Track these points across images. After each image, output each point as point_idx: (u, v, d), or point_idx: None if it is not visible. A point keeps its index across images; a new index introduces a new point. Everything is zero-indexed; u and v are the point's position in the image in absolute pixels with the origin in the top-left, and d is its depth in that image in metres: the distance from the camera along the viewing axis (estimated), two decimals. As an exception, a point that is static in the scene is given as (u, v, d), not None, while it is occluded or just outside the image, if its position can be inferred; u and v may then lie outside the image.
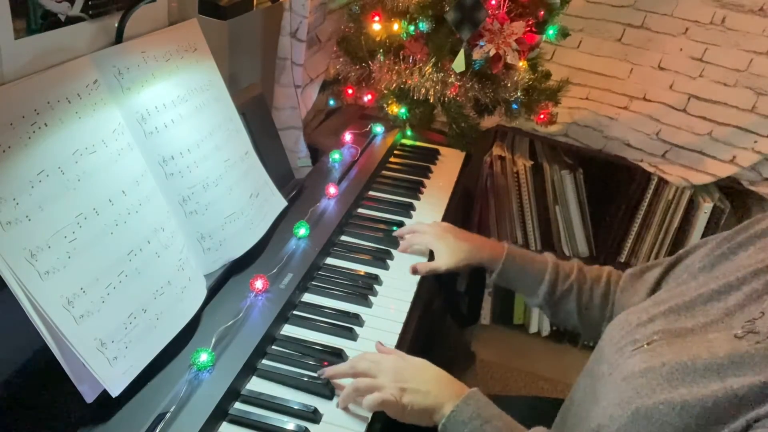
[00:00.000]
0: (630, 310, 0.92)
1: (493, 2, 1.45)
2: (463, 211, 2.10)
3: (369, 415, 0.86)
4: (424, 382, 0.87)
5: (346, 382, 0.88)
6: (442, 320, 2.13)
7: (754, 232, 0.86)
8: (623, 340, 0.84)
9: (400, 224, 1.30)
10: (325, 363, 0.92)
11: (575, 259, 1.17)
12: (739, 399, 0.66)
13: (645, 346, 0.80)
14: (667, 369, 0.73)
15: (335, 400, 0.88)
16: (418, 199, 1.43)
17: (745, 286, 0.79)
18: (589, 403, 0.85)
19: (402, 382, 0.86)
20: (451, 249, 1.16)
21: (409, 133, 1.68)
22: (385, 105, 1.61)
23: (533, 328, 2.19)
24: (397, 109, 1.61)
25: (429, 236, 1.20)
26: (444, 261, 1.15)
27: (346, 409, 0.87)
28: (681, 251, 0.98)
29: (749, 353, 0.69)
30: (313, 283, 1.10)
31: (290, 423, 0.83)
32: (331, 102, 1.77)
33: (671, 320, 0.82)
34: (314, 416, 0.84)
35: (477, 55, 1.46)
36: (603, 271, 1.14)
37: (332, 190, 1.30)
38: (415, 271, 1.15)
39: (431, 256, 1.21)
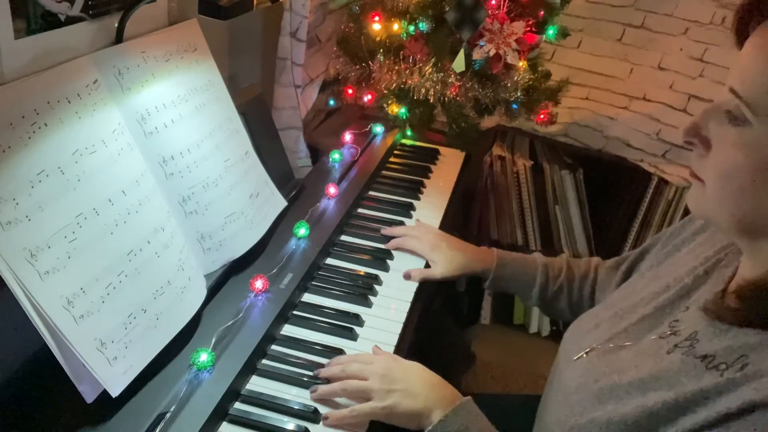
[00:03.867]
0: (584, 315, 0.94)
1: (493, 2, 1.45)
2: (463, 211, 2.10)
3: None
4: (414, 385, 0.85)
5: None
6: (442, 320, 2.13)
7: (694, 229, 0.88)
8: (572, 348, 0.85)
9: (401, 224, 1.30)
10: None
11: (563, 254, 1.18)
12: (654, 415, 0.66)
13: (584, 355, 0.81)
14: (599, 386, 0.74)
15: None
16: (418, 199, 1.43)
17: (679, 284, 0.80)
18: (542, 411, 0.87)
19: (391, 383, 0.85)
20: (446, 259, 1.16)
21: (409, 133, 1.68)
22: (385, 105, 1.61)
23: (533, 328, 2.19)
24: (397, 109, 1.61)
25: (423, 245, 1.19)
26: (439, 270, 1.15)
27: (346, 405, 0.87)
28: (646, 243, 0.99)
29: (666, 367, 0.69)
30: (313, 283, 1.10)
31: (290, 423, 0.83)
32: (331, 102, 1.76)
33: (614, 324, 0.83)
34: (314, 416, 0.84)
35: (477, 55, 1.46)
36: (590, 264, 1.16)
37: (332, 190, 1.30)
38: (408, 277, 1.14)
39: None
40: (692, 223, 0.89)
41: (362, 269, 1.16)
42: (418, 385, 0.85)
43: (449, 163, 1.62)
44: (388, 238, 1.25)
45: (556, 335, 2.17)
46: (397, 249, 1.22)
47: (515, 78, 1.53)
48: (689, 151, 0.70)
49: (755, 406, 0.58)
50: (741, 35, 0.67)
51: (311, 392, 0.87)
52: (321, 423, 0.84)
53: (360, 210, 1.35)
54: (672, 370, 0.68)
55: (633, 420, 0.67)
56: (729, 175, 0.64)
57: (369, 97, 1.63)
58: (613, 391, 0.72)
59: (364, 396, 0.85)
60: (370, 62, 1.57)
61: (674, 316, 0.76)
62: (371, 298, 1.09)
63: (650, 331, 0.77)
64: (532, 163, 1.99)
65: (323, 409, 0.86)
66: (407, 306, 1.09)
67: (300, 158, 1.49)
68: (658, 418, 0.65)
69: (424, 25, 1.48)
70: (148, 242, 0.85)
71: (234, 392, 0.85)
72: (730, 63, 0.66)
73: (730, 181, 0.65)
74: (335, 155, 1.44)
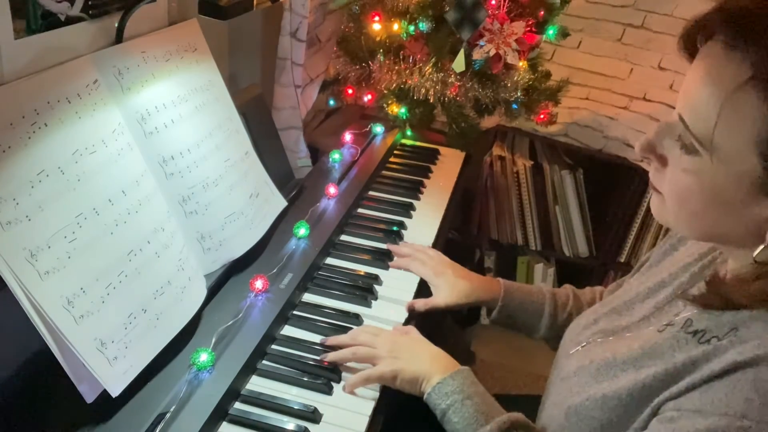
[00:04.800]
0: (583, 313, 0.95)
1: (493, 2, 1.45)
2: (463, 211, 2.10)
3: (368, 415, 0.86)
4: (419, 353, 0.92)
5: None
6: (442, 320, 2.13)
7: None
8: (570, 343, 0.88)
9: (401, 224, 1.30)
10: (326, 363, 0.93)
11: (567, 286, 1.15)
12: (647, 388, 0.68)
13: (580, 348, 0.84)
14: (595, 366, 0.76)
15: (335, 396, 0.89)
16: (418, 199, 1.43)
17: (675, 281, 0.81)
18: (542, 404, 0.89)
19: (398, 351, 0.91)
20: (450, 286, 1.12)
21: (409, 133, 1.68)
22: (385, 105, 1.61)
23: (533, 328, 2.19)
24: (397, 109, 1.61)
25: (428, 270, 1.15)
26: (443, 298, 1.11)
27: (346, 405, 0.87)
28: (643, 257, 0.98)
29: (657, 343, 0.71)
30: (313, 283, 1.10)
31: (290, 423, 0.83)
32: (331, 102, 1.77)
33: (611, 320, 0.85)
34: (314, 416, 0.84)
35: (477, 55, 1.46)
36: (596, 293, 1.13)
37: (332, 190, 1.30)
38: (412, 309, 1.09)
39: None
40: None
41: (362, 269, 1.16)
42: (422, 354, 0.92)
43: (449, 163, 1.62)
44: (389, 237, 1.25)
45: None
46: (399, 268, 1.17)
47: (515, 78, 1.53)
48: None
49: (737, 367, 0.61)
50: (690, 52, 0.67)
51: (321, 358, 0.93)
52: (320, 423, 0.84)
53: (360, 210, 1.35)
54: (664, 345, 0.70)
55: (626, 393, 0.70)
56: (683, 199, 0.66)
57: (369, 97, 1.63)
58: (609, 370, 0.74)
59: (372, 362, 0.92)
60: (370, 62, 1.57)
61: (674, 312, 0.77)
62: (371, 298, 1.09)
63: (650, 327, 0.79)
64: (532, 163, 1.99)
65: (323, 409, 0.86)
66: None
67: (300, 158, 1.49)
68: (651, 389, 0.68)
69: (424, 25, 1.48)
70: (148, 242, 0.85)
71: (234, 392, 0.85)
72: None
73: (685, 204, 0.66)
74: (335, 155, 1.44)
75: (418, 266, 1.16)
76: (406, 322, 1.06)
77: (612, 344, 0.79)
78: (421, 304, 1.10)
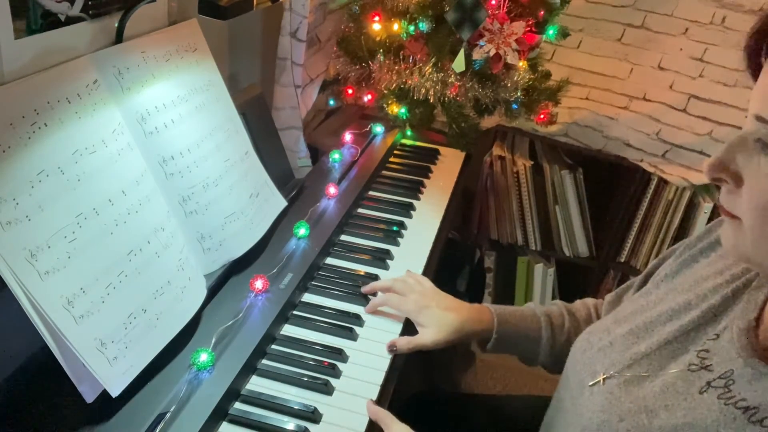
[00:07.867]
0: (591, 328, 0.87)
1: (493, 2, 1.45)
2: (463, 211, 2.10)
3: (368, 416, 0.86)
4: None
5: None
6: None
7: (715, 239, 0.82)
8: (584, 368, 0.80)
9: (401, 224, 1.30)
10: (326, 363, 0.93)
11: (557, 301, 1.09)
12: None
13: (601, 383, 0.76)
14: (624, 426, 0.69)
15: (335, 396, 0.89)
16: (418, 199, 1.43)
17: (704, 303, 0.74)
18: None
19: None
20: (437, 322, 1.00)
21: (409, 133, 1.68)
22: (385, 105, 1.61)
23: (533, 328, 2.19)
24: (397, 109, 1.61)
25: (410, 306, 1.03)
26: (430, 336, 0.99)
27: (346, 405, 0.87)
28: (649, 267, 0.93)
29: (702, 415, 0.65)
30: (313, 283, 1.10)
31: (290, 423, 0.83)
32: (331, 102, 1.77)
33: (629, 344, 0.78)
34: (314, 416, 0.84)
35: (477, 55, 1.46)
36: (589, 307, 1.06)
37: (332, 190, 1.30)
38: (392, 348, 0.98)
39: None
40: (710, 233, 0.83)
41: (362, 269, 1.16)
42: None
43: (449, 163, 1.62)
44: (388, 237, 1.25)
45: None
46: (374, 312, 1.06)
47: (515, 78, 1.53)
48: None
49: None
50: (754, 68, 0.64)
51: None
52: (320, 423, 0.84)
53: (360, 210, 1.35)
54: (709, 418, 0.63)
55: None
56: None
57: (369, 97, 1.63)
58: None
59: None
60: (370, 62, 1.57)
61: (702, 343, 0.71)
62: (371, 297, 1.09)
63: (674, 359, 0.72)
64: (532, 163, 1.99)
65: (323, 409, 0.86)
66: (407, 306, 1.09)
67: (300, 158, 1.49)
68: None
69: (424, 25, 1.48)
70: (148, 242, 0.85)
71: (234, 392, 0.85)
72: (751, 92, 0.62)
73: None
74: (335, 155, 1.44)
75: (396, 301, 1.05)
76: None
77: (637, 389, 0.72)
78: (404, 343, 0.99)
